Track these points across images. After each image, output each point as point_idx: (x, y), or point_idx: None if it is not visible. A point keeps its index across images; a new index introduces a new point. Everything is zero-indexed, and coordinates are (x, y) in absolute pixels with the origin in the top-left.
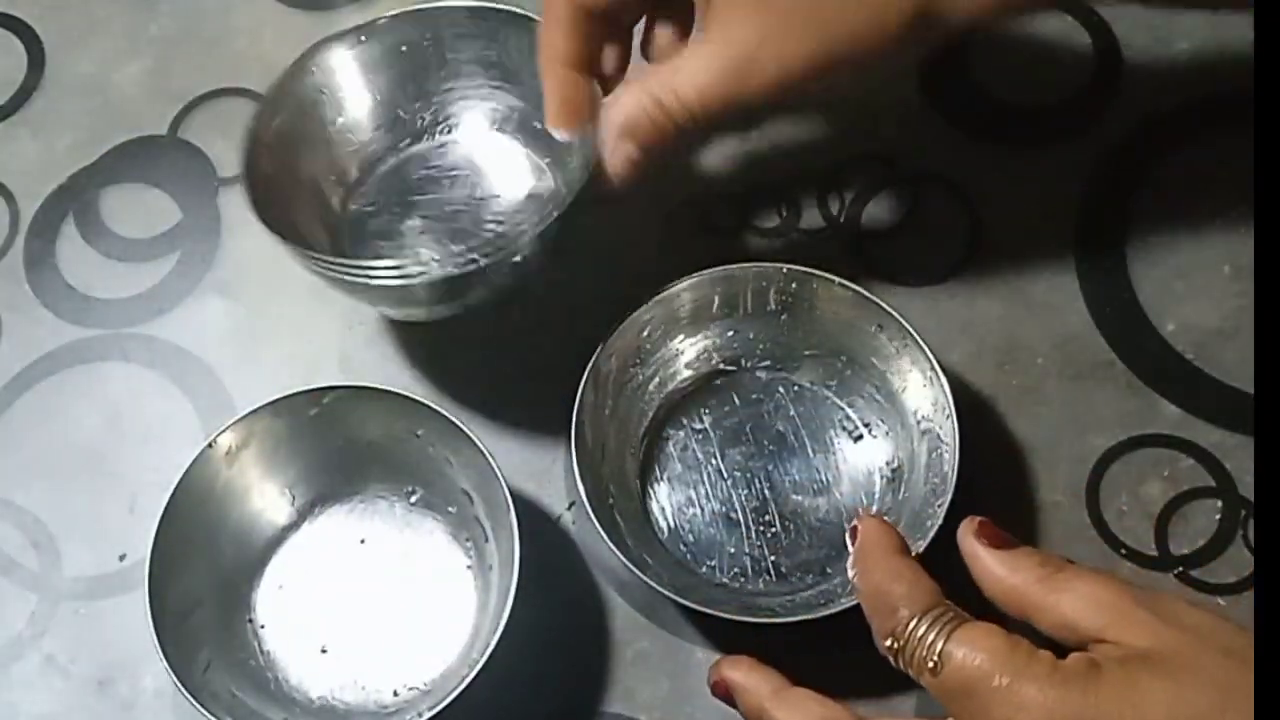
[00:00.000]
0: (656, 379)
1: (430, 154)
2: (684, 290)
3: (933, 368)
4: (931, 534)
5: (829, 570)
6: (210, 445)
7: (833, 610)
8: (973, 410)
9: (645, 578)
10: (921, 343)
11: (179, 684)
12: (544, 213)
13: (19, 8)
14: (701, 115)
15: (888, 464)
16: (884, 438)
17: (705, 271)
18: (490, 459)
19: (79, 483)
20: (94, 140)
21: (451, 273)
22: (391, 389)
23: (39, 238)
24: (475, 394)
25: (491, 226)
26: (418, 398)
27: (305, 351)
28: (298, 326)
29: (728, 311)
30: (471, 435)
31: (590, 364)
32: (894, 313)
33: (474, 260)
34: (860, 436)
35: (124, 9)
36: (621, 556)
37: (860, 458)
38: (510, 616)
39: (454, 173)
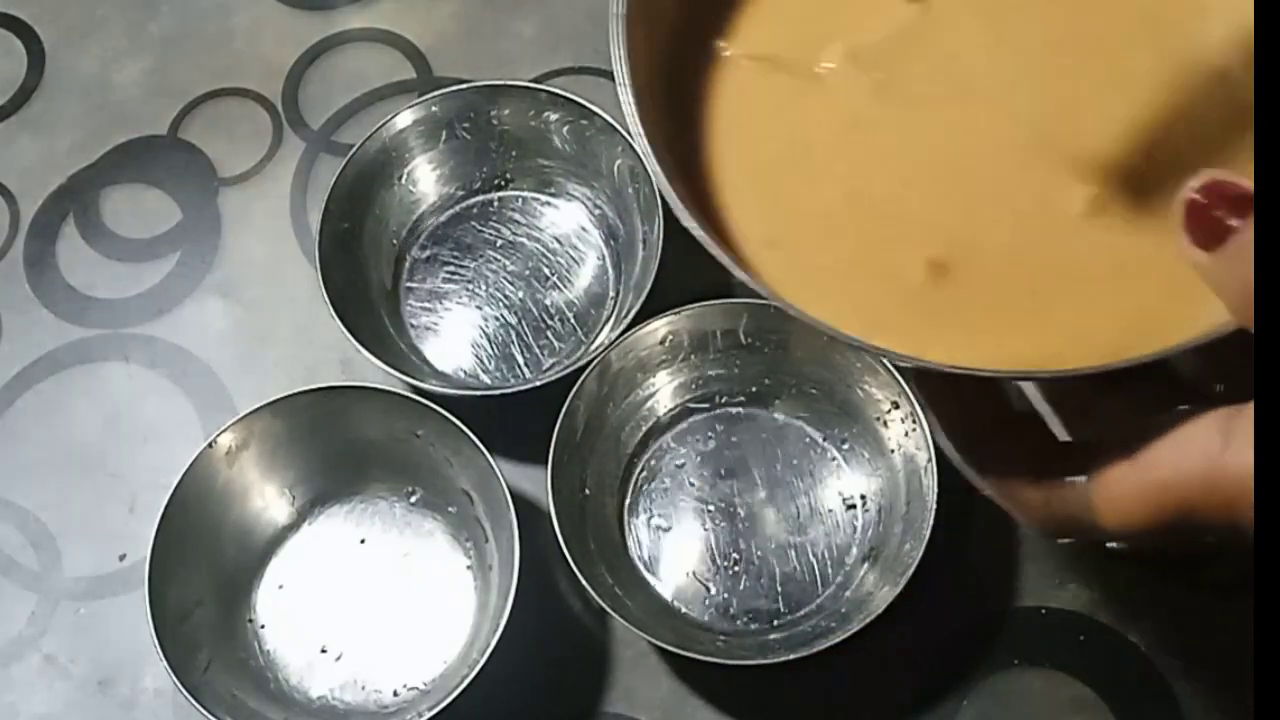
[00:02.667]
0: (633, 418)
1: (488, 211)
2: (657, 328)
3: (908, 396)
4: (913, 568)
5: (775, 624)
6: (210, 445)
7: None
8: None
9: (618, 617)
10: (895, 372)
11: (179, 684)
12: (606, 338)
13: (19, 8)
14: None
15: (866, 495)
16: (863, 468)
17: (677, 310)
18: (490, 459)
19: (79, 483)
20: (94, 140)
21: (507, 391)
22: (391, 389)
23: (39, 238)
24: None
25: (551, 327)
26: (418, 398)
27: (305, 351)
28: (298, 326)
29: (699, 348)
30: (471, 435)
31: (566, 404)
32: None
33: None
34: (839, 467)
35: (124, 9)
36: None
37: (839, 489)
38: (510, 616)
39: (512, 238)
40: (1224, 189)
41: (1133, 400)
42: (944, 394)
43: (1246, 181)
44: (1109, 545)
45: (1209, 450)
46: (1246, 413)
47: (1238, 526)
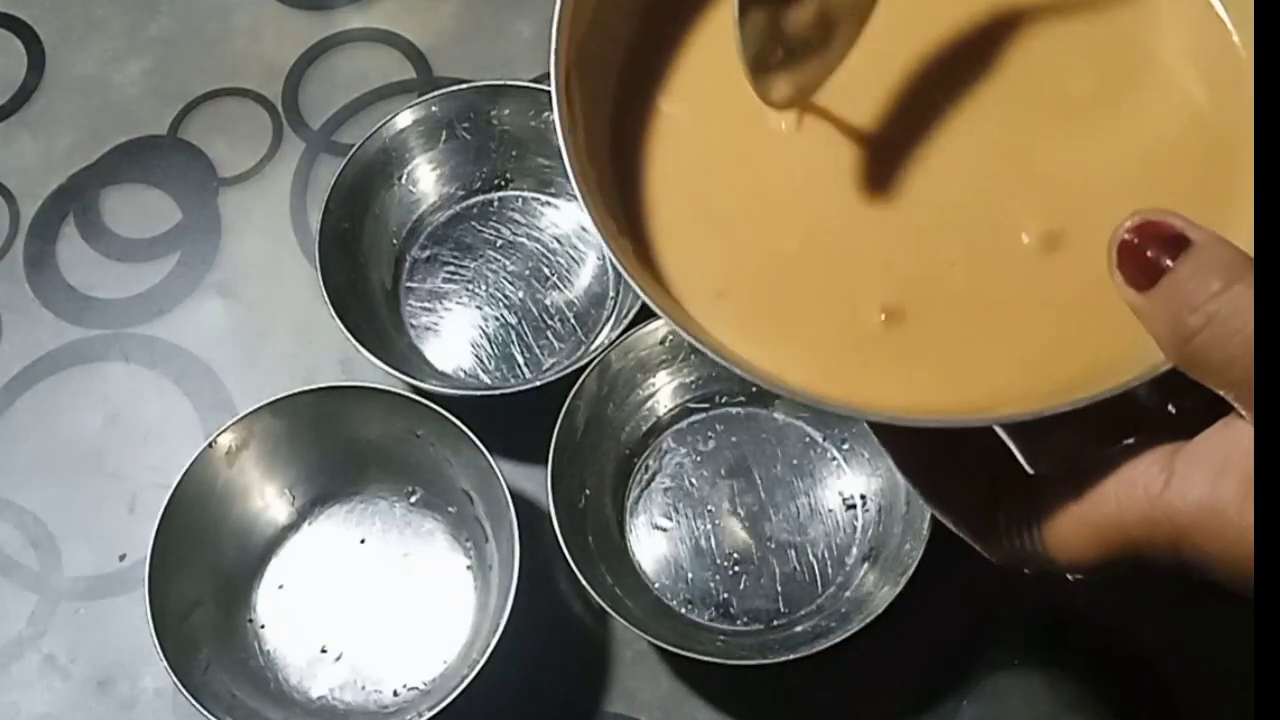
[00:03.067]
0: (633, 418)
1: (488, 211)
2: (657, 328)
3: None
4: (913, 568)
5: (774, 624)
6: (210, 445)
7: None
8: None
9: (619, 617)
10: None
11: (179, 684)
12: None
13: (19, 8)
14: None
15: (866, 495)
16: (863, 468)
17: None
18: (490, 459)
19: (79, 483)
20: (94, 140)
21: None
22: (391, 389)
23: (39, 238)
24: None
25: (552, 326)
26: (418, 398)
27: (305, 351)
28: (298, 326)
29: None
30: (471, 435)
31: (566, 404)
32: None
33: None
34: (839, 467)
35: (124, 9)
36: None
37: (839, 489)
38: (510, 616)
39: (512, 238)
40: (1156, 229)
41: (1087, 429)
42: (896, 431)
43: (1179, 220)
44: (1069, 576)
45: (1150, 490)
46: (1187, 450)
47: (1185, 563)
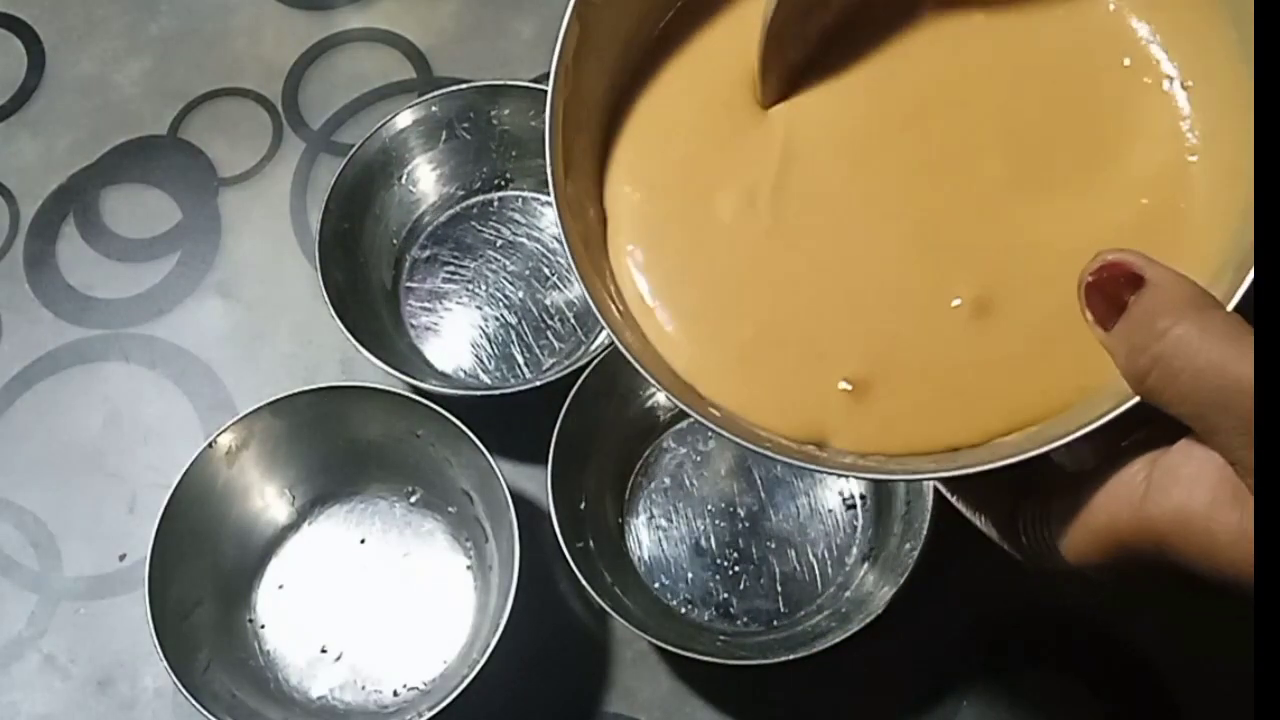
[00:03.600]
0: (633, 418)
1: (488, 211)
2: None
3: None
4: (912, 568)
5: (775, 624)
6: (210, 445)
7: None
8: None
9: (619, 617)
10: None
11: (179, 684)
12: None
13: (19, 8)
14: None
15: (866, 495)
16: None
17: None
18: (490, 459)
19: (79, 483)
20: (94, 140)
21: (507, 391)
22: (391, 389)
23: (39, 238)
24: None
25: (551, 327)
26: (418, 398)
27: (305, 351)
28: (298, 326)
29: None
30: (471, 435)
31: (565, 404)
32: None
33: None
34: None
35: (124, 9)
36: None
37: (839, 489)
38: (510, 616)
39: (512, 238)
40: (1116, 269)
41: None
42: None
43: (1137, 260)
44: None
45: (1132, 500)
46: (1163, 461)
47: (1172, 563)
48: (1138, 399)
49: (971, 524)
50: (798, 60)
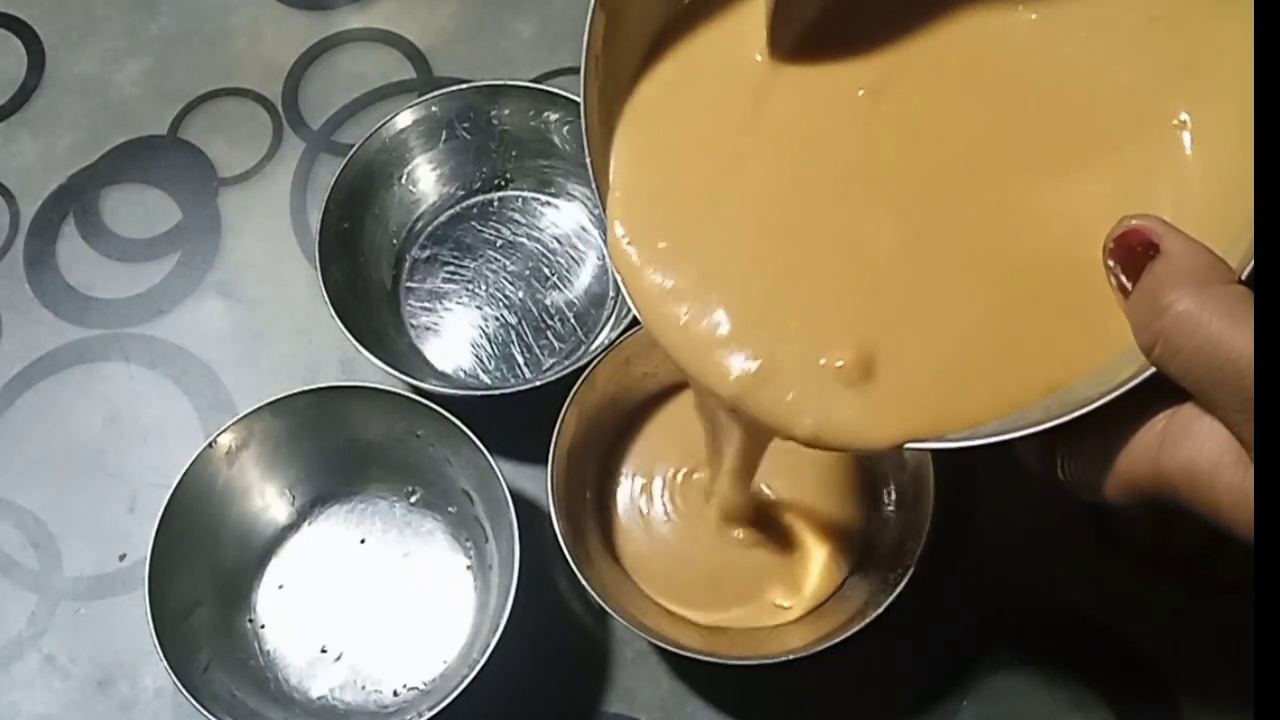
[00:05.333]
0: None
1: (488, 211)
2: None
3: None
4: (912, 568)
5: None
6: (210, 445)
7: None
8: None
9: (619, 617)
10: None
11: (179, 684)
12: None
13: (19, 8)
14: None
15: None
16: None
17: None
18: (490, 459)
19: (79, 483)
20: (94, 140)
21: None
22: (391, 389)
23: (39, 238)
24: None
25: (551, 327)
26: (418, 398)
27: (305, 351)
28: (298, 326)
29: None
30: (471, 435)
31: (566, 404)
32: None
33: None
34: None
35: (124, 9)
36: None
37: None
38: (510, 616)
39: (512, 238)
40: (1135, 236)
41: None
42: None
43: (1155, 226)
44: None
45: (1150, 452)
46: (1177, 417)
47: (1189, 511)
48: (1151, 370)
49: (971, 524)
50: (808, 18)
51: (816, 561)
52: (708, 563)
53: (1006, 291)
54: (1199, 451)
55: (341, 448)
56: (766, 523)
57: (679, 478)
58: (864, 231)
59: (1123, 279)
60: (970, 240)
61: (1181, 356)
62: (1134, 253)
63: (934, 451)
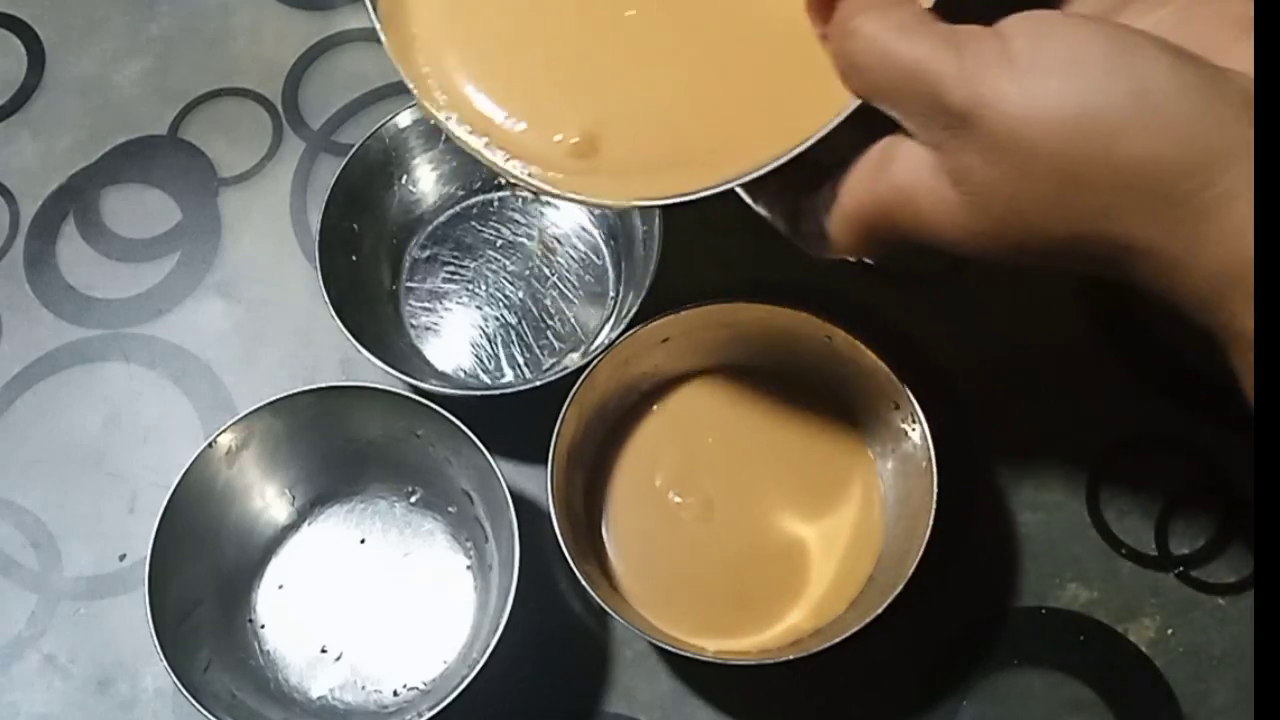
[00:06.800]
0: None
1: (488, 211)
2: (658, 328)
3: (908, 396)
4: (913, 568)
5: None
6: (210, 445)
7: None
8: (972, 410)
9: (619, 617)
10: (894, 373)
11: (179, 684)
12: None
13: (19, 8)
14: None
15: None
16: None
17: (677, 310)
18: (490, 459)
19: (79, 483)
20: (94, 140)
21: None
22: (391, 389)
23: (39, 238)
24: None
25: (551, 327)
26: (418, 398)
27: (305, 351)
28: (298, 326)
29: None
30: (471, 435)
31: (566, 404)
32: (839, 326)
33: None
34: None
35: (124, 9)
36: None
37: None
38: (510, 616)
39: (512, 238)
40: None
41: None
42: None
43: None
44: (864, 260)
45: (865, 182)
46: (889, 140)
47: (906, 235)
48: (858, 101)
49: (971, 524)
50: None
51: (825, 575)
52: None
53: (735, 58)
54: (904, 169)
55: (341, 448)
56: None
57: (679, 477)
58: (605, 8)
59: (818, 20)
60: (701, 13)
61: (869, 75)
62: None
63: (662, 207)
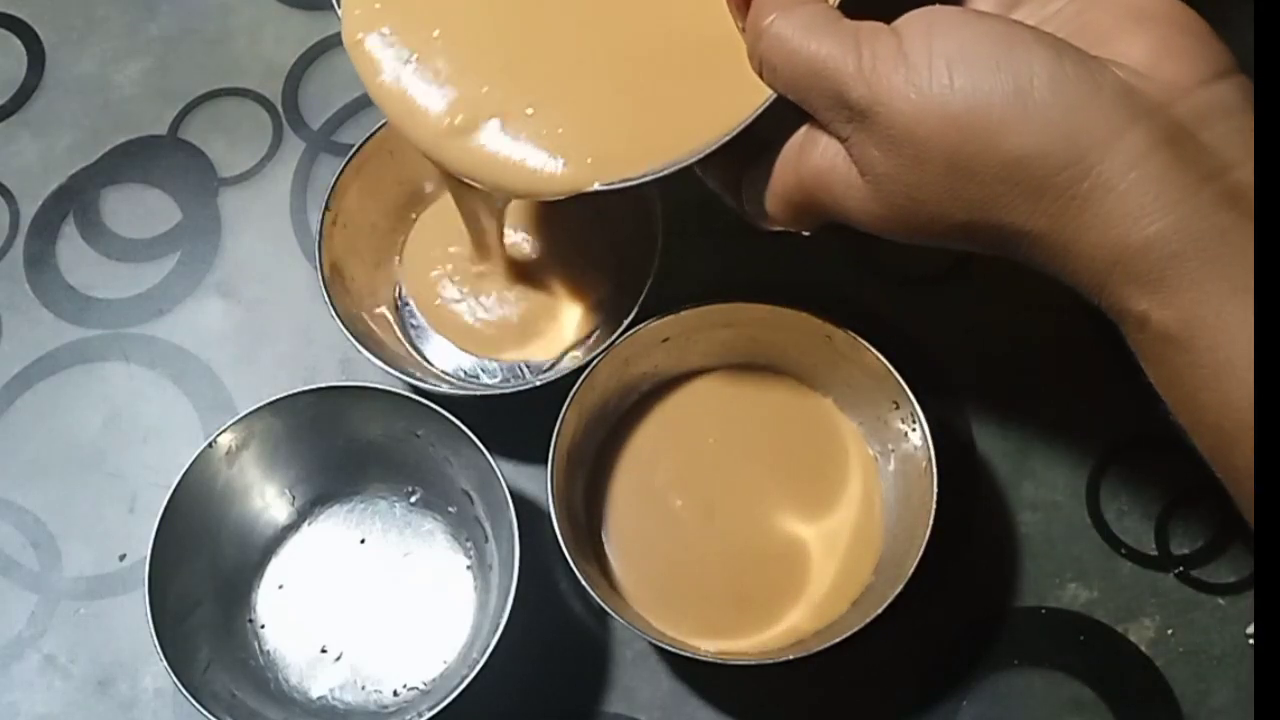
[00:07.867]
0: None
1: None
2: (658, 328)
3: (908, 396)
4: (912, 568)
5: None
6: (210, 445)
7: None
8: (972, 409)
9: (619, 617)
10: (895, 373)
11: (179, 684)
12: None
13: (19, 8)
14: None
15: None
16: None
17: (677, 310)
18: (490, 459)
19: (79, 483)
20: (94, 140)
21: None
22: (391, 389)
23: (39, 238)
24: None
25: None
26: (418, 398)
27: (305, 351)
28: (298, 326)
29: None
30: (471, 435)
31: (566, 404)
32: (839, 326)
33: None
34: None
35: (124, 9)
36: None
37: None
38: (510, 616)
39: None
40: None
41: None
42: None
43: None
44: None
45: (791, 163)
46: (809, 127)
47: (829, 211)
48: (774, 95)
49: (971, 524)
50: None
51: (825, 575)
52: (709, 563)
53: (663, 55)
54: (821, 155)
55: (341, 448)
56: (772, 536)
57: (679, 477)
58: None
59: (739, 17)
60: (632, 12)
61: (780, 73)
62: None
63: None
